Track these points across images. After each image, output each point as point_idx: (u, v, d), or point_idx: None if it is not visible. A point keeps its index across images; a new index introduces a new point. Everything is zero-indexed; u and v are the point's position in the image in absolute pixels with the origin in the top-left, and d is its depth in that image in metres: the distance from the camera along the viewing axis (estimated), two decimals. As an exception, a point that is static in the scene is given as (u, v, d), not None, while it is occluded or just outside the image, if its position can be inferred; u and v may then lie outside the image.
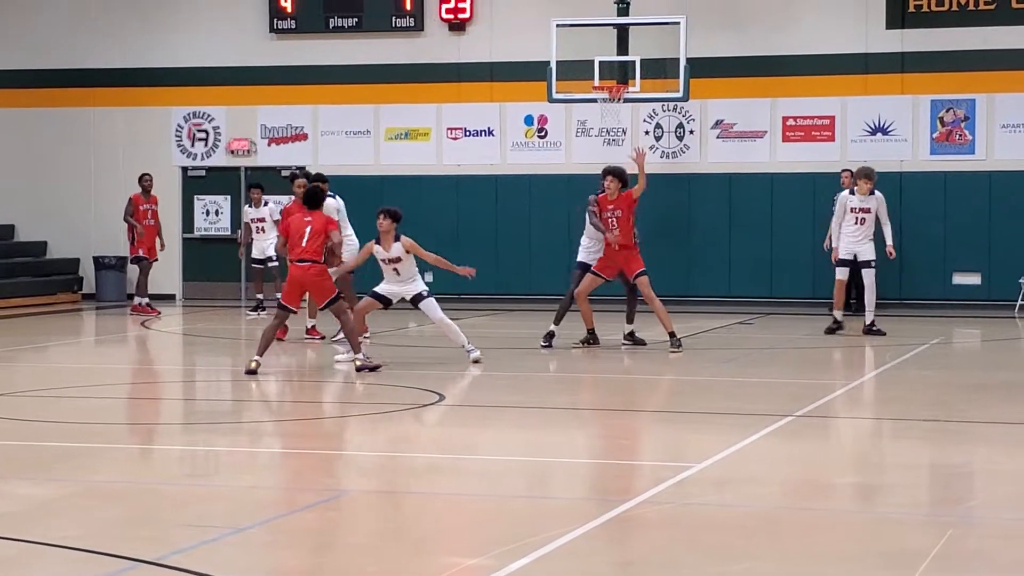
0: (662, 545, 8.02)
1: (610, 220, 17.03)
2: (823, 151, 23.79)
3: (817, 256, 23.22)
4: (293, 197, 18.30)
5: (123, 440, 11.69)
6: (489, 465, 10.44)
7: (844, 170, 22.78)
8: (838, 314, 19.37)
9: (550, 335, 17.62)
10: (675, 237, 23.90)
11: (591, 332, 17.59)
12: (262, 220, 22.08)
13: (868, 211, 19.19)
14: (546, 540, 7.79)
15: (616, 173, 17.25)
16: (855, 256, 19.18)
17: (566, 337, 17.62)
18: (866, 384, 14.97)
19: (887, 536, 8.18)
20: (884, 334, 18.89)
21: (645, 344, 17.71)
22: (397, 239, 15.67)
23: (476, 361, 15.81)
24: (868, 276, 19.20)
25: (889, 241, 19.29)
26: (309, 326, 18.39)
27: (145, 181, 23.60)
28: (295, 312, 15.77)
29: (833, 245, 19.67)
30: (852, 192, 19.37)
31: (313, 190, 15.72)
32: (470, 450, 11.14)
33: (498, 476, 10.02)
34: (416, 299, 15.95)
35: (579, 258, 17.74)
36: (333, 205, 17.49)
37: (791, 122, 23.98)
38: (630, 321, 17.74)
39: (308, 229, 15.28)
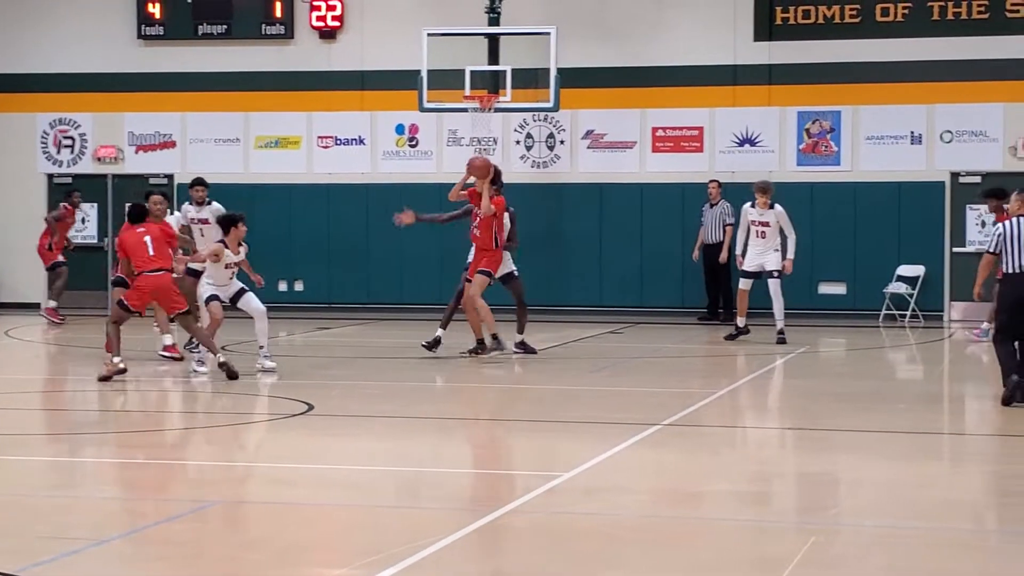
0: (530, 554, 8.03)
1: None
2: (692, 162, 24.00)
3: (686, 266, 23.47)
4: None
5: (-17, 452, 11.45)
6: (357, 475, 10.38)
7: (711, 181, 23.07)
8: (741, 321, 19.69)
9: (482, 344, 17.23)
10: (546, 246, 23.97)
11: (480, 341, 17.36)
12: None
13: (767, 224, 19.45)
14: (414, 550, 7.76)
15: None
16: (761, 267, 19.47)
17: (452, 346, 17.51)
18: (734, 392, 15.11)
19: (752, 544, 8.27)
20: (786, 343, 19.16)
21: (536, 352, 17.62)
22: (241, 245, 16.20)
23: (268, 370, 15.82)
24: (773, 286, 19.49)
25: (789, 255, 19.53)
26: (168, 343, 17.83)
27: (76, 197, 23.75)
28: (138, 315, 16.01)
29: (736, 253, 19.90)
30: (753, 205, 19.61)
31: (138, 207, 16.18)
32: (338, 460, 11.08)
33: (366, 486, 9.97)
34: (239, 294, 16.17)
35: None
36: (220, 210, 17.92)
37: (660, 132, 24.18)
38: (520, 331, 17.62)
39: (148, 239, 15.71)
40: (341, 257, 24.74)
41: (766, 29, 23.77)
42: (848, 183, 23.62)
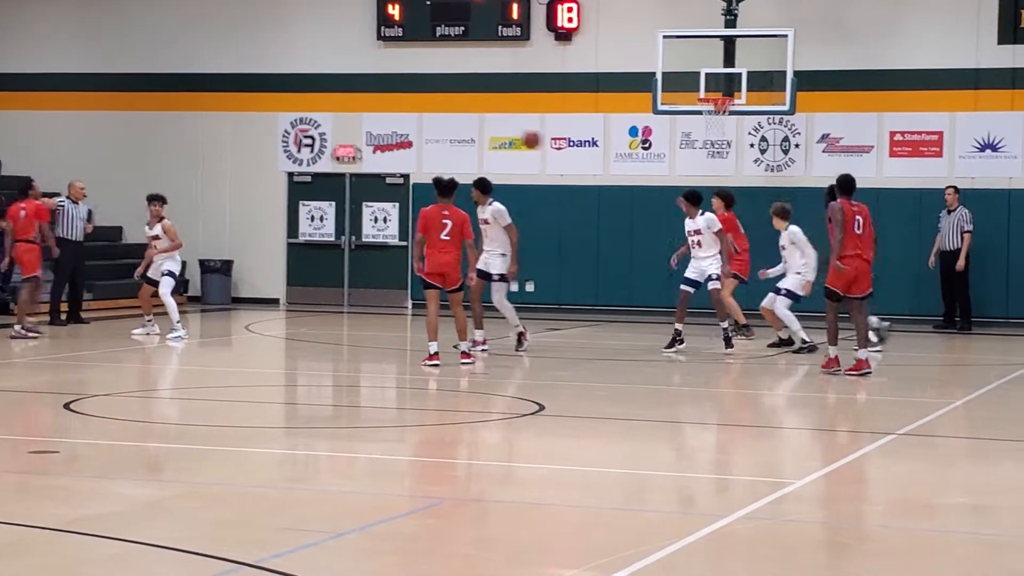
0: (758, 562, 7.96)
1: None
2: (930, 167, 23.50)
3: (922, 273, 22.97)
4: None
5: (225, 442, 11.80)
6: (587, 476, 10.41)
7: (949, 187, 22.55)
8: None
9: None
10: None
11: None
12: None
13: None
14: (642, 554, 7.77)
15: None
16: None
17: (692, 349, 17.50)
18: (970, 403, 14.74)
19: (994, 558, 8.05)
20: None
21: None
22: (160, 220, 19.94)
23: (174, 337, 19.26)
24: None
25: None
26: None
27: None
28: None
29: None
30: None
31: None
32: (568, 461, 11.13)
33: (595, 488, 10.00)
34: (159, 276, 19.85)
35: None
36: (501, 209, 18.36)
37: (898, 137, 23.73)
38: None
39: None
40: (572, 258, 24.83)
41: (1011, 32, 23.12)
42: (1097, 190, 22.85)
